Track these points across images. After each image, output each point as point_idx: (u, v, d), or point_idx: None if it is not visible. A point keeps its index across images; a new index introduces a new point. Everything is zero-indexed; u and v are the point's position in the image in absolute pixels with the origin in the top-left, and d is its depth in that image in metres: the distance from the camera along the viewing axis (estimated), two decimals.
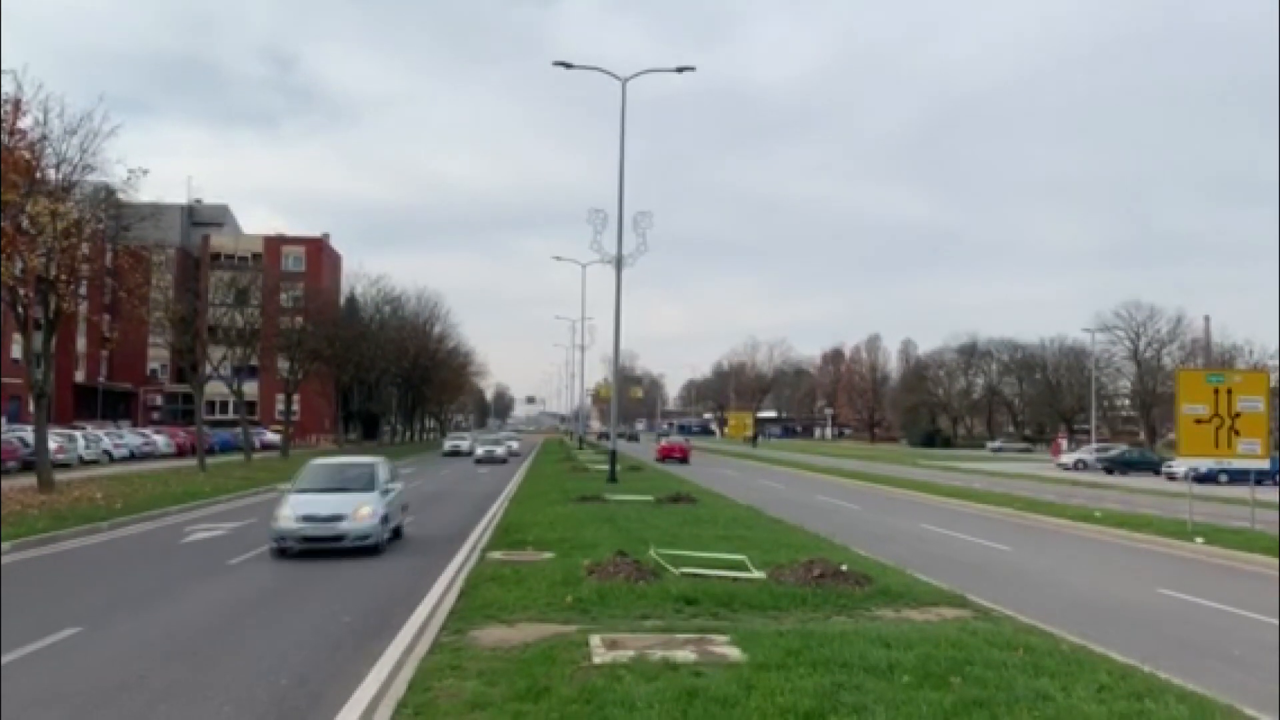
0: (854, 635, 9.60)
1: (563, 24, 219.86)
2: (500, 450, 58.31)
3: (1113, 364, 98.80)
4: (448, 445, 68.88)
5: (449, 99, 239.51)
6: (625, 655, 8.72)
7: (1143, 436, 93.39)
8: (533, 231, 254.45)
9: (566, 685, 7.71)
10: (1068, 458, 64.12)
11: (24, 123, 24.72)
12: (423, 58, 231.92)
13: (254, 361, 53.62)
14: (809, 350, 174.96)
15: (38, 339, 27.63)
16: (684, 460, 60.06)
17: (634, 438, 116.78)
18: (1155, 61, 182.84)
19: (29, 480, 26.98)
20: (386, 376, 77.32)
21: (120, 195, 28.89)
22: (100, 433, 48.76)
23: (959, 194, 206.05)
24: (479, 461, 54.91)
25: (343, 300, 78.00)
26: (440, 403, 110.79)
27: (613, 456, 37.85)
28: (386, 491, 18.29)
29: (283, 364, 56.32)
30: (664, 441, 69.94)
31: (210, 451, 46.68)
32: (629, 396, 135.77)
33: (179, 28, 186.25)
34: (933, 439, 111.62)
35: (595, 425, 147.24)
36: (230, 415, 68.77)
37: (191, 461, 42.42)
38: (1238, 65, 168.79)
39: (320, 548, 16.58)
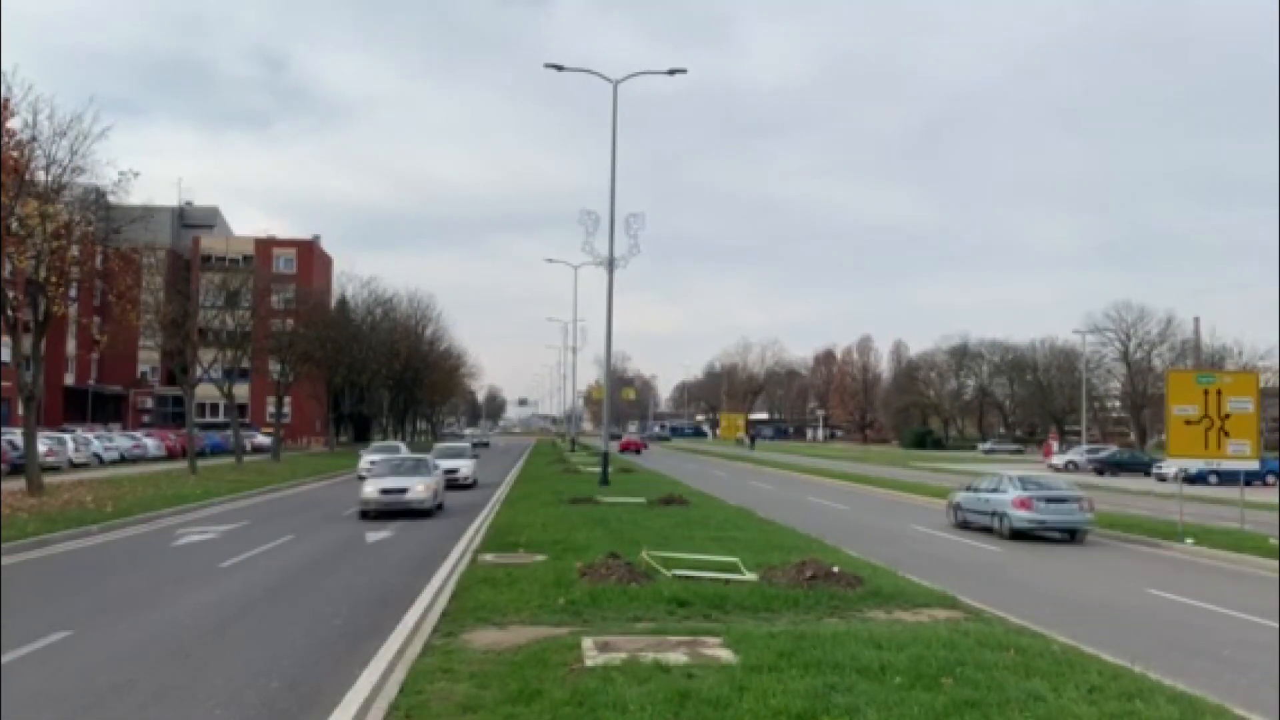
0: (846, 637, 9.62)
1: (555, 25, 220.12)
2: (420, 488, 25.14)
3: (1103, 365, 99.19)
4: (365, 461, 38.26)
5: (441, 100, 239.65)
6: (617, 657, 8.72)
7: (1133, 437, 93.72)
8: (525, 233, 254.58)
9: (559, 688, 7.71)
10: (1058, 459, 64.22)
11: (13, 124, 24.66)
12: (414, 59, 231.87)
13: (245, 364, 53.45)
14: (801, 351, 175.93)
15: (27, 341, 27.52)
16: (638, 452, 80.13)
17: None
18: (1147, 62, 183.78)
19: (18, 483, 26.85)
20: (378, 378, 77.13)
21: (110, 197, 28.82)
22: (90, 435, 48.57)
23: (950, 195, 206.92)
24: (366, 515, 24.39)
25: (334, 302, 77.78)
26: (432, 404, 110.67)
27: (605, 459, 37.83)
28: None
29: (274, 366, 56.16)
30: (624, 438, 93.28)
31: (201, 454, 46.54)
32: (621, 398, 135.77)
33: (169, 28, 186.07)
34: (924, 440, 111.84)
35: (588, 427, 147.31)
36: (221, 418, 68.52)
37: (182, 464, 42.27)
38: (1229, 66, 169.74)
39: None
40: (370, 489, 24.74)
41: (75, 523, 20.56)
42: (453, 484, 32.86)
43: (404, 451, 39.24)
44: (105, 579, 14.86)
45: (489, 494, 32.12)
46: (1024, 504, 22.85)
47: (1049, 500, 23.02)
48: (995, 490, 24.31)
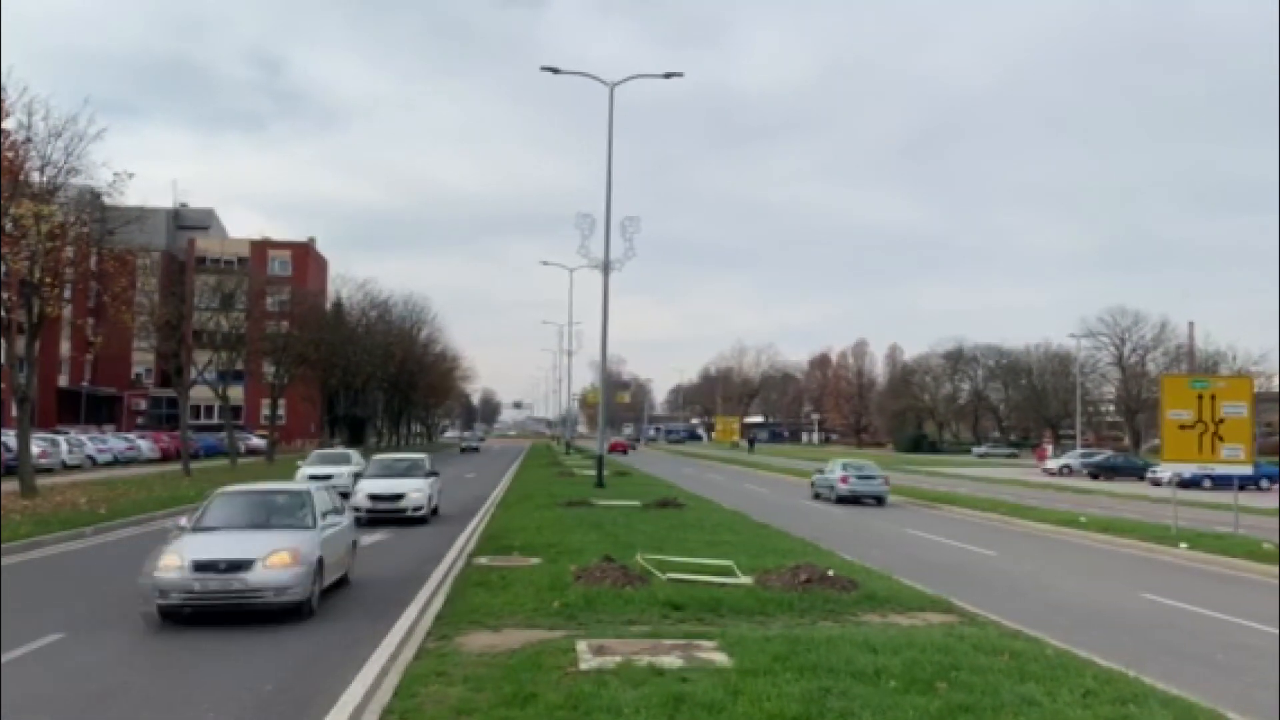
0: (841, 640, 9.62)
1: (551, 28, 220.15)
2: (276, 563, 11.66)
3: (1098, 369, 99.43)
4: (302, 475, 28.09)
5: (437, 102, 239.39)
6: (612, 661, 8.72)
7: (1127, 442, 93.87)
8: (521, 235, 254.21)
9: (553, 691, 7.70)
10: (1053, 463, 64.34)
11: (8, 124, 24.61)
12: (411, 61, 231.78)
13: (239, 366, 53.37)
14: (796, 355, 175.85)
15: (21, 343, 27.45)
16: (624, 452, 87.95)
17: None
18: (1142, 69, 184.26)
19: (11, 485, 26.78)
20: (373, 381, 77.05)
21: (106, 198, 28.74)
22: (84, 437, 48.42)
23: (946, 199, 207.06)
24: (166, 615, 11.48)
25: (329, 304, 77.73)
26: (427, 407, 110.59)
27: (600, 462, 37.87)
28: None
29: (268, 368, 56.09)
30: (611, 440, 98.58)
31: (195, 456, 46.43)
32: (616, 401, 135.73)
33: (165, 30, 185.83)
34: (919, 444, 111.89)
35: (583, 430, 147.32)
36: (215, 420, 68.42)
37: (176, 466, 42.20)
38: (1225, 73, 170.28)
39: None
40: (171, 563, 11.58)
41: (68, 525, 20.49)
42: (396, 518, 22.82)
43: (352, 463, 29.10)
44: (99, 581, 14.81)
45: (449, 538, 20.02)
46: (844, 480, 34.54)
47: (860, 477, 34.68)
48: (832, 472, 35.83)
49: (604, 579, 12.81)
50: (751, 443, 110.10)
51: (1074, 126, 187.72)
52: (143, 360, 76.03)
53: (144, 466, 46.37)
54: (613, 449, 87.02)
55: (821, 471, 37.54)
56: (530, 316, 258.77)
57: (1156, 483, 44.98)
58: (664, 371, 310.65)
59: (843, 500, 34.14)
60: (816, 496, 36.49)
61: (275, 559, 11.73)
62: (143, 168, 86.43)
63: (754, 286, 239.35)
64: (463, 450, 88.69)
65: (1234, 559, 19.40)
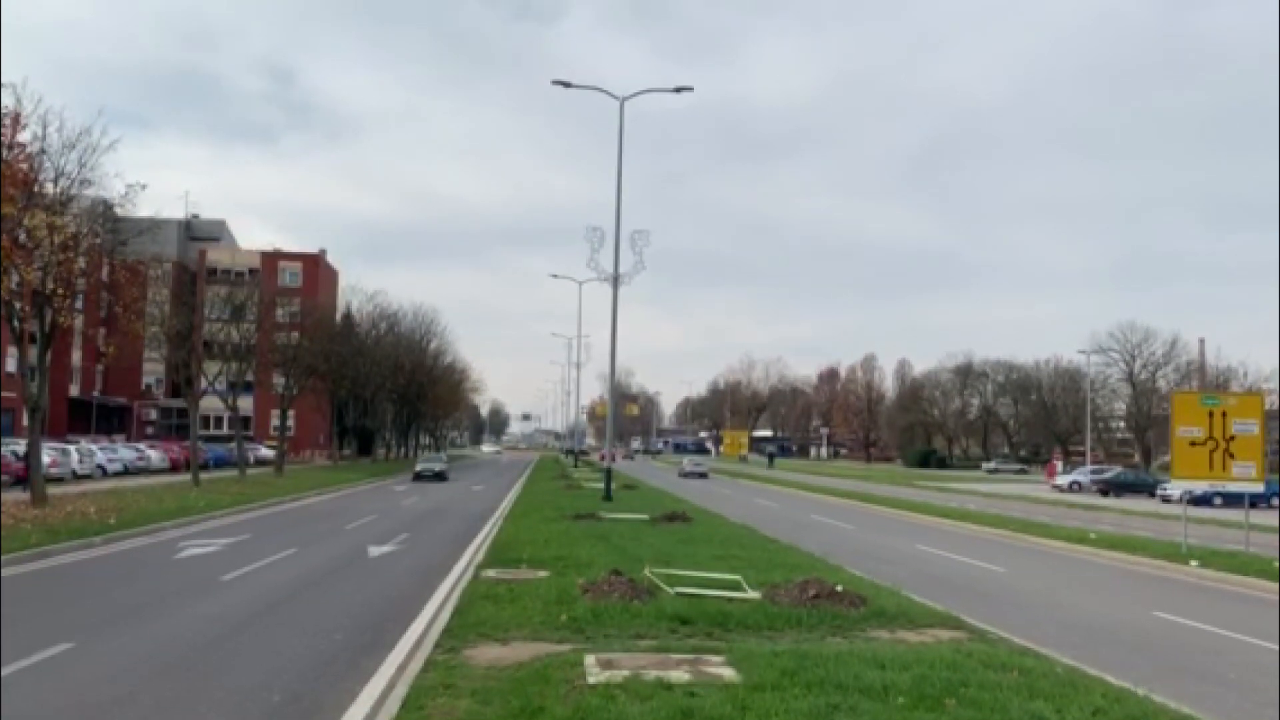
0: (849, 656, 9.59)
1: (563, 42, 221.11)
2: None
3: (1108, 385, 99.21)
4: None
5: (448, 115, 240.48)
6: (620, 675, 8.70)
7: (1138, 458, 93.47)
8: (530, 248, 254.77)
9: (560, 705, 7.69)
10: (1063, 479, 64.11)
11: (23, 136, 24.78)
12: (422, 74, 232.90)
13: (249, 377, 53.49)
14: (805, 369, 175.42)
15: (33, 352, 27.59)
16: (614, 460, 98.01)
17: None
18: (1151, 85, 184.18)
19: (22, 494, 26.87)
20: (382, 392, 77.22)
21: (118, 209, 28.90)
22: (94, 447, 48.62)
23: (955, 214, 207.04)
24: None
25: (339, 316, 77.97)
26: (436, 419, 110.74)
27: (608, 474, 37.85)
28: None
29: (278, 379, 56.26)
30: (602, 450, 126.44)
31: (204, 467, 46.55)
32: (625, 414, 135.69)
33: (178, 42, 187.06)
34: (928, 459, 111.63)
35: (591, 442, 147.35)
36: (225, 430, 68.65)
37: (185, 477, 42.29)
38: (1233, 89, 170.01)
39: None
40: None
41: (78, 534, 20.55)
42: None
43: None
44: (108, 591, 14.85)
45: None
46: (686, 465, 76.81)
47: (695, 464, 76.52)
48: (683, 461, 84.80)
49: (612, 593, 12.80)
50: (771, 457, 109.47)
51: (1084, 141, 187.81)
52: (153, 370, 76.36)
53: (153, 477, 46.49)
54: (602, 457, 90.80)
55: (681, 462, 79.21)
56: (540, 329, 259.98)
57: (1167, 500, 44.73)
58: (672, 384, 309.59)
59: (687, 476, 68.77)
60: (679, 475, 69.74)
61: None
62: (155, 179, 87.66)
63: (763, 300, 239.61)
64: (418, 477, 55.53)
65: (1246, 577, 19.28)
